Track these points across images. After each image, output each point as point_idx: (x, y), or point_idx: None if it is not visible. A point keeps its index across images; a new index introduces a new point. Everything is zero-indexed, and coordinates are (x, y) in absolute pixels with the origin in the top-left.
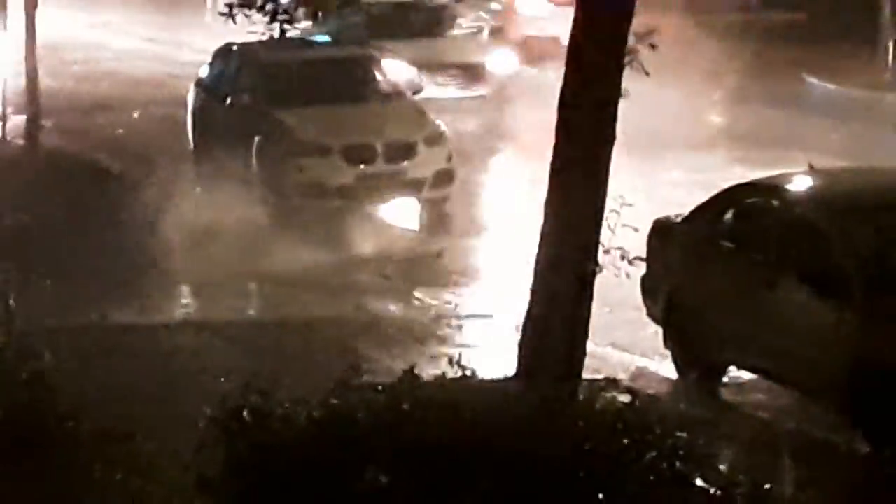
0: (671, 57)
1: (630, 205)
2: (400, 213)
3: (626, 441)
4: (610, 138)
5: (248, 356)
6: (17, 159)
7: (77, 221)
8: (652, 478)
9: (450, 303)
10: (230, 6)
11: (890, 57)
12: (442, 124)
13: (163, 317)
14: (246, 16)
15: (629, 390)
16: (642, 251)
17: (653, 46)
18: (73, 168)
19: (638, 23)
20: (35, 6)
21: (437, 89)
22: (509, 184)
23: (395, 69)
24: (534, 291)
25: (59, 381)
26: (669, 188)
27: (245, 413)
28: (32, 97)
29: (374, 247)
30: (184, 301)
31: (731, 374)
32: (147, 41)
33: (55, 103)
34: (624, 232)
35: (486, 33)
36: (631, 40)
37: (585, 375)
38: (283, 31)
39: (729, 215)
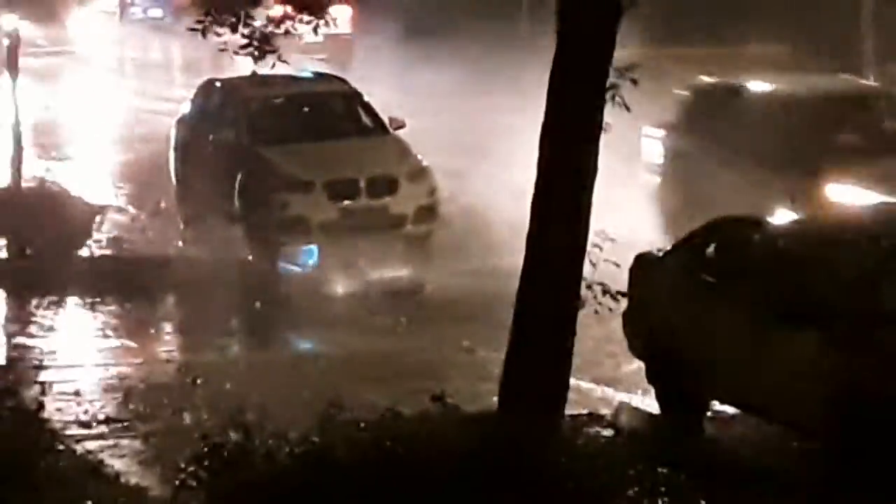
0: (649, 90)
1: (612, 239)
2: (382, 249)
3: (608, 476)
4: (591, 173)
5: (230, 393)
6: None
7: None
8: None
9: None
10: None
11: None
12: (424, 160)
13: (147, 354)
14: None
15: (612, 425)
16: (624, 285)
17: (634, 81)
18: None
19: (618, 56)
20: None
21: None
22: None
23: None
24: (516, 325)
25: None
26: (650, 222)
27: (227, 449)
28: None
29: (357, 281)
30: (167, 338)
31: (714, 409)
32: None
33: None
34: (606, 266)
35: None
36: (612, 74)
37: (568, 410)
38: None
39: (711, 249)
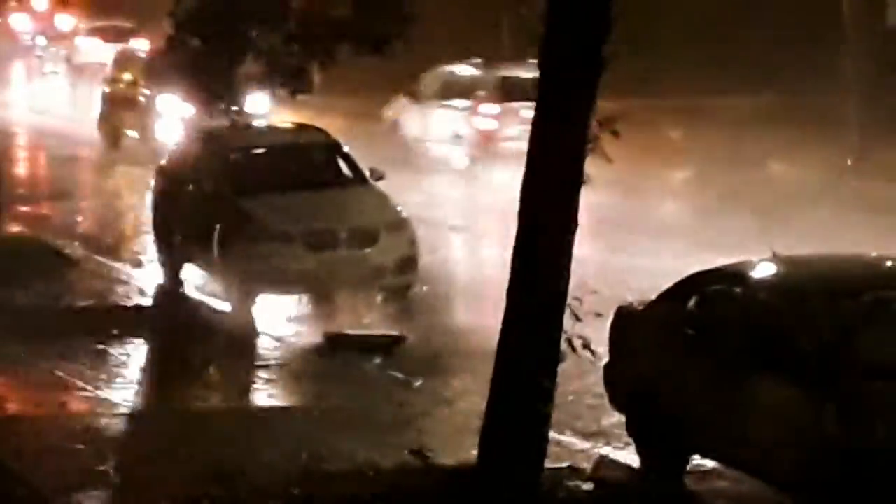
0: (631, 141)
1: (594, 292)
2: (362, 300)
3: None
4: (573, 225)
5: (209, 445)
6: None
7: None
8: None
9: (411, 389)
10: None
11: (854, 140)
12: (404, 210)
13: (124, 405)
14: None
15: (592, 479)
16: (605, 338)
17: (615, 133)
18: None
19: (600, 107)
20: None
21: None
22: None
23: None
24: (495, 378)
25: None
26: (632, 275)
27: (206, 503)
28: None
29: (334, 333)
30: (145, 389)
31: (695, 462)
32: None
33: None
34: (587, 319)
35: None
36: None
37: (549, 464)
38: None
39: (692, 302)
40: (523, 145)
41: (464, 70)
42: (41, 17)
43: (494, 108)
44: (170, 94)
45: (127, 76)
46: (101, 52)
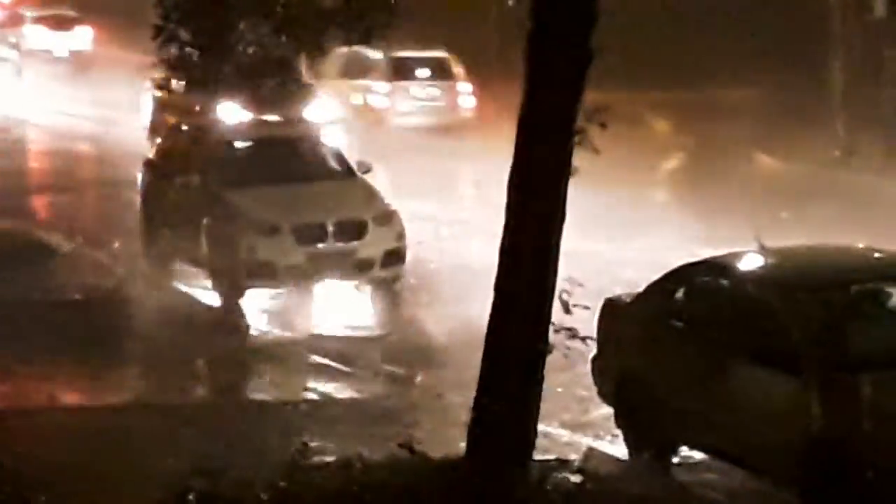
0: (620, 134)
1: (581, 284)
2: (350, 293)
3: None
4: (560, 217)
5: (196, 438)
6: None
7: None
8: None
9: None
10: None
11: (841, 133)
12: (391, 203)
13: (112, 399)
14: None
15: (580, 471)
16: (593, 330)
17: (603, 125)
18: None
19: (587, 100)
20: None
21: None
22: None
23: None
24: (484, 370)
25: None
26: (619, 267)
27: (192, 497)
28: None
29: (321, 326)
30: (132, 383)
31: (683, 454)
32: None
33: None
34: (574, 311)
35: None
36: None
37: (536, 456)
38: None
39: (680, 294)
40: (413, 120)
41: (362, 51)
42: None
43: (386, 86)
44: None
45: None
46: (47, 41)
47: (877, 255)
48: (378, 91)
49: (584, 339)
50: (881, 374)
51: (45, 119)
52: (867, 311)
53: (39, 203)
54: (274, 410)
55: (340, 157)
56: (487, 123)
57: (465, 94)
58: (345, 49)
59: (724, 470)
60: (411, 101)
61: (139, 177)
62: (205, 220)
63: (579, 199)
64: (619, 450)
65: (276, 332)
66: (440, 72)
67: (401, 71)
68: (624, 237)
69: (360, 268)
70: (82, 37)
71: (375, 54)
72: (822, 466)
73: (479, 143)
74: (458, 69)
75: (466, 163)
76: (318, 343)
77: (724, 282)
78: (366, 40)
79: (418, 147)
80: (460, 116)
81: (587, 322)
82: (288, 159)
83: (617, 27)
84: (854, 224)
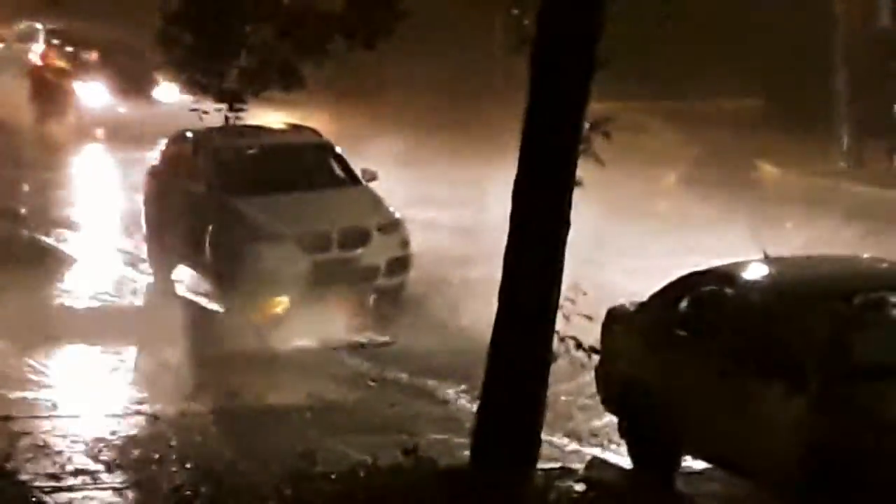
0: (623, 144)
1: (584, 293)
2: (354, 301)
3: None
4: (564, 226)
5: (200, 444)
6: None
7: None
8: None
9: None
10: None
11: (845, 144)
12: (396, 212)
13: (115, 405)
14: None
15: (584, 480)
16: (597, 339)
17: (607, 135)
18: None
19: (591, 110)
20: None
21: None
22: None
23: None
24: (488, 379)
25: None
26: (622, 276)
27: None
28: None
29: (326, 334)
30: (136, 389)
31: (687, 464)
32: None
33: None
34: (578, 320)
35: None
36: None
37: (540, 464)
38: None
39: (684, 303)
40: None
41: (35, 23)
42: None
43: (41, 47)
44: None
45: None
46: None
47: (881, 264)
48: (35, 51)
49: (588, 350)
50: (885, 383)
51: None
52: (871, 321)
53: None
54: (279, 417)
55: (345, 165)
56: None
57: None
58: (27, 22)
59: (727, 479)
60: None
61: (143, 183)
62: (210, 228)
63: (583, 208)
64: (623, 459)
65: (280, 340)
66: None
67: (56, 38)
68: (628, 245)
69: (364, 276)
70: None
71: (39, 25)
72: (825, 476)
73: None
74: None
75: None
76: (322, 350)
77: (728, 291)
78: (370, 45)
79: None
80: None
81: (591, 332)
82: (293, 167)
83: (621, 37)
84: (858, 234)
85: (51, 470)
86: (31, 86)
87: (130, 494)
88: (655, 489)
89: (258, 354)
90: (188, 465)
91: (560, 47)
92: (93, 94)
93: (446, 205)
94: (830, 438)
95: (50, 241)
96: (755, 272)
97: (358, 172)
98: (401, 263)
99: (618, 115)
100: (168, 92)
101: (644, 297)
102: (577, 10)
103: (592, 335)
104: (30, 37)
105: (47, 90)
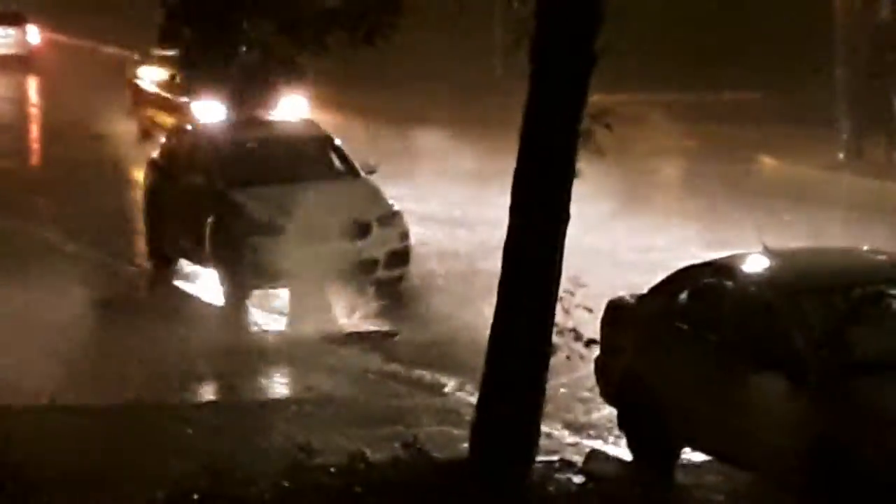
0: (623, 136)
1: (584, 285)
2: (353, 293)
3: None
4: (564, 218)
5: (199, 437)
6: None
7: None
8: None
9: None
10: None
11: (845, 137)
12: (396, 204)
13: (115, 397)
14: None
15: (583, 472)
16: (596, 332)
17: (608, 127)
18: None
19: (592, 102)
20: None
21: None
22: None
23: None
24: (487, 371)
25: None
26: (623, 268)
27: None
28: None
29: (325, 326)
30: (135, 381)
31: (686, 456)
32: None
33: None
34: (578, 312)
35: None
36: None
37: (540, 457)
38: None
39: (684, 296)
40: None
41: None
42: None
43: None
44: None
45: None
46: None
47: (881, 257)
48: None
49: (588, 342)
50: (885, 376)
51: None
52: (871, 314)
53: None
54: (277, 410)
55: (345, 157)
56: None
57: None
58: None
59: (727, 472)
60: None
61: (143, 176)
62: (209, 220)
63: (584, 199)
64: (623, 451)
65: (279, 332)
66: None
67: None
68: (627, 238)
69: (363, 268)
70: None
71: None
72: (825, 469)
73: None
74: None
75: None
76: (321, 343)
77: (728, 284)
78: (369, 40)
79: None
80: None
81: (590, 324)
82: (293, 159)
83: (621, 28)
84: (857, 226)
85: (48, 463)
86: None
87: (128, 487)
88: (655, 481)
89: (256, 346)
90: (185, 458)
91: (559, 39)
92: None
93: (445, 198)
94: (829, 432)
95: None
96: (755, 265)
97: (357, 165)
98: (400, 256)
99: (618, 107)
100: (295, 106)
101: (644, 290)
102: (576, 2)
103: (592, 328)
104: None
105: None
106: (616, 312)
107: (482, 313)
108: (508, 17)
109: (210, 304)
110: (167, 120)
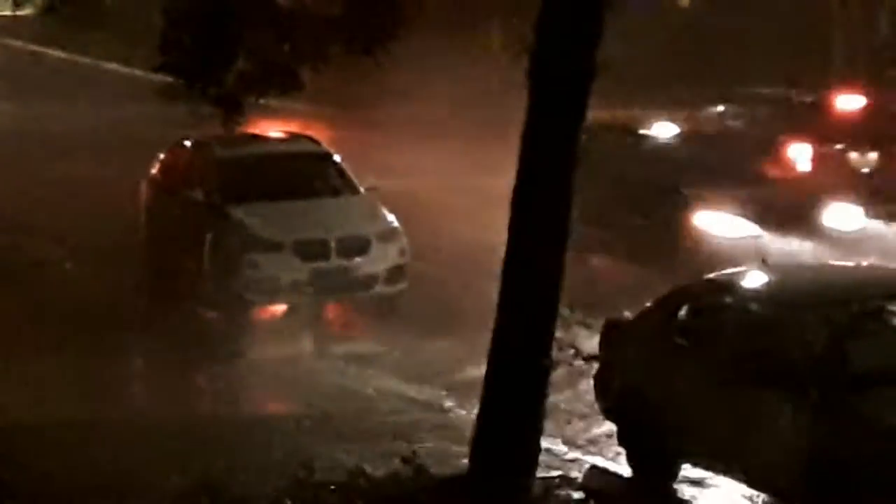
0: None
1: (584, 302)
2: (353, 309)
3: None
4: (563, 236)
5: (200, 454)
6: None
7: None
8: None
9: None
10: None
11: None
12: (395, 220)
13: (115, 413)
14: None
15: (583, 488)
16: (595, 347)
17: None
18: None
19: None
20: None
21: None
22: None
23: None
24: (487, 387)
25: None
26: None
27: None
28: None
29: (324, 343)
30: (136, 397)
31: (685, 472)
32: None
33: None
34: (577, 329)
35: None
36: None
37: (539, 473)
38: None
39: (683, 312)
40: None
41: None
42: None
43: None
44: None
45: None
46: None
47: (879, 272)
48: None
49: (587, 358)
50: (884, 391)
51: None
52: (870, 329)
53: None
54: (277, 426)
55: (344, 174)
56: None
57: None
58: None
59: (726, 487)
60: None
61: (142, 191)
62: (208, 236)
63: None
64: (622, 467)
65: (279, 348)
66: None
67: None
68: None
69: (362, 284)
70: None
71: None
72: (825, 484)
73: None
74: None
75: None
76: (320, 359)
77: (728, 299)
78: (368, 49)
79: None
80: None
81: (589, 340)
82: (291, 175)
83: (620, 43)
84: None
85: (47, 478)
86: None
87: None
88: (654, 497)
89: (256, 363)
90: (184, 474)
91: (558, 53)
92: None
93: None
94: (829, 446)
95: None
96: (754, 281)
97: (356, 181)
98: (399, 272)
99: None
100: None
101: (644, 306)
102: (576, 16)
103: (590, 343)
104: None
105: None
106: (615, 329)
107: (482, 328)
108: (507, 32)
109: (209, 320)
110: None
